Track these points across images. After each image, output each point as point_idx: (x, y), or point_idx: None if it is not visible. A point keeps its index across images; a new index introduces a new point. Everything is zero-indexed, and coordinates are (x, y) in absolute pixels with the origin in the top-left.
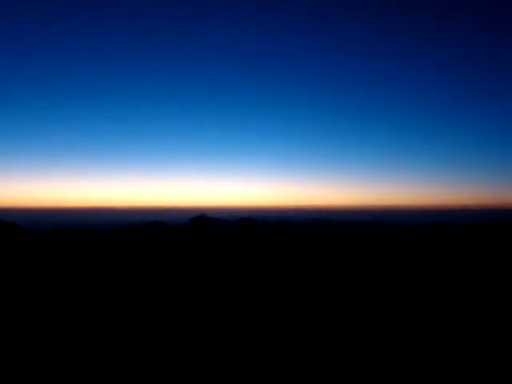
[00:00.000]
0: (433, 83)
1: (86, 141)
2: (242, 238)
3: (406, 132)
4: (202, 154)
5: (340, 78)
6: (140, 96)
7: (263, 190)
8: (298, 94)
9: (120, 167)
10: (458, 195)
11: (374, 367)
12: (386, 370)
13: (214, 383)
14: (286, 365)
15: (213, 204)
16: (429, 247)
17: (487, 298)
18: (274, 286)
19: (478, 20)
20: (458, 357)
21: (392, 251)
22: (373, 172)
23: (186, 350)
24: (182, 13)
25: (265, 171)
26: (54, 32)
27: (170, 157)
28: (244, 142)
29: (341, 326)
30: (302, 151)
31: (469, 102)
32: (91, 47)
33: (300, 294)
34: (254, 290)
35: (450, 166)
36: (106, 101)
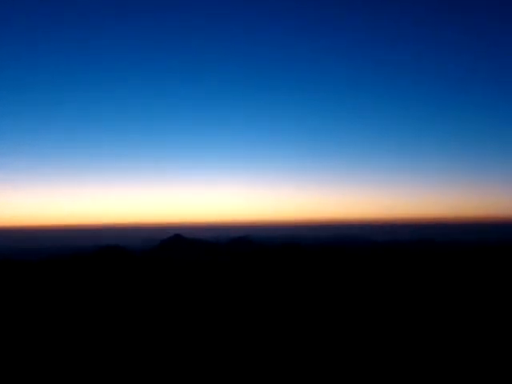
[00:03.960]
0: (416, 83)
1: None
2: (234, 266)
3: (402, 136)
4: (177, 154)
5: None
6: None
7: (263, 201)
8: (289, 93)
9: (65, 174)
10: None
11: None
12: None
13: None
14: None
15: (193, 220)
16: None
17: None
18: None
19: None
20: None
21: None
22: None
23: None
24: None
25: (264, 176)
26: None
27: (133, 161)
28: (236, 141)
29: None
30: (309, 151)
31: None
32: (79, 56)
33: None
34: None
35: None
36: (54, 112)
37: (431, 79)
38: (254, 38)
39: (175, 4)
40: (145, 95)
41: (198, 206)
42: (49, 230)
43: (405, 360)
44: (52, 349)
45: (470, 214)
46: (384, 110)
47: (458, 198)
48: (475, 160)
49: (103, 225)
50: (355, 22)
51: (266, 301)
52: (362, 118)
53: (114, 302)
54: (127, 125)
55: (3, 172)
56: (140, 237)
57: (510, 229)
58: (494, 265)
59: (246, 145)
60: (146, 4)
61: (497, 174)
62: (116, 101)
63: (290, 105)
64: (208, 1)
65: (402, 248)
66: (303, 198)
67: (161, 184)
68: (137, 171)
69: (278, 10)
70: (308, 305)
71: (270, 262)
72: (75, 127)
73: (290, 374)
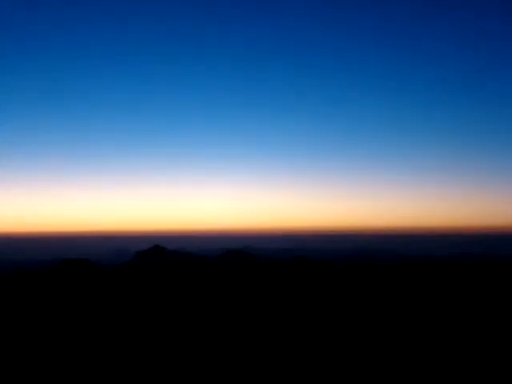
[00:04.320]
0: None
1: None
2: (227, 285)
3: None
4: (158, 151)
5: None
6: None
7: (265, 207)
8: (299, 95)
9: (17, 173)
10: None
11: None
12: None
13: None
14: None
15: (176, 228)
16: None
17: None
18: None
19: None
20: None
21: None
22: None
23: None
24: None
25: (267, 177)
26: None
27: (103, 158)
28: (233, 135)
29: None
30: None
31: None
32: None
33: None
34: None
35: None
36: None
37: (431, 84)
38: (255, 43)
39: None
40: (130, 94)
41: (184, 211)
42: (14, 239)
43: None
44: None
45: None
46: (406, 116)
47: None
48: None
49: (65, 234)
50: (354, 20)
51: (266, 330)
52: (385, 121)
53: (74, 329)
54: (101, 120)
55: None
56: (111, 248)
57: None
58: None
59: (244, 139)
60: (150, 2)
61: None
62: (97, 100)
63: (304, 102)
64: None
65: (439, 263)
66: (313, 204)
67: (137, 185)
68: (108, 170)
69: (277, 9)
70: (319, 336)
71: (272, 280)
72: (35, 128)
73: None
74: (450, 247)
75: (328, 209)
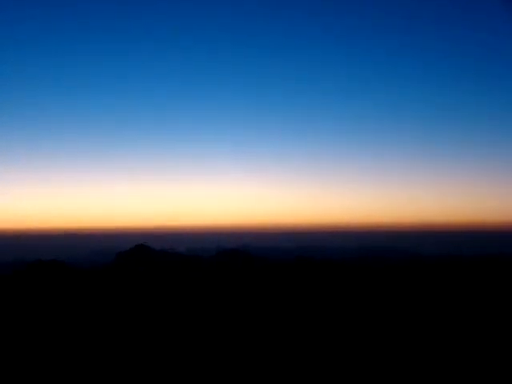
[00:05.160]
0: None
1: None
2: (223, 289)
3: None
4: (145, 141)
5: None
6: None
7: (267, 203)
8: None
9: None
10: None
11: None
12: None
13: None
14: None
15: (163, 225)
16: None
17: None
18: None
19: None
20: None
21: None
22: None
23: None
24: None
25: (269, 170)
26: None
27: (84, 151)
28: (232, 124)
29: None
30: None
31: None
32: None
33: None
34: None
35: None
36: None
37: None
38: (256, 41)
39: None
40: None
41: (172, 205)
42: None
43: None
44: None
45: None
46: (423, 107)
47: None
48: None
49: (35, 232)
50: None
51: (268, 340)
52: (397, 114)
53: (48, 344)
54: (82, 111)
55: None
56: (88, 248)
57: None
58: None
59: (243, 130)
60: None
61: None
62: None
63: (305, 97)
64: None
65: (458, 263)
66: (316, 199)
67: (117, 178)
68: (84, 161)
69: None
70: (327, 345)
71: (274, 283)
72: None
73: None
74: (468, 246)
75: (333, 205)
